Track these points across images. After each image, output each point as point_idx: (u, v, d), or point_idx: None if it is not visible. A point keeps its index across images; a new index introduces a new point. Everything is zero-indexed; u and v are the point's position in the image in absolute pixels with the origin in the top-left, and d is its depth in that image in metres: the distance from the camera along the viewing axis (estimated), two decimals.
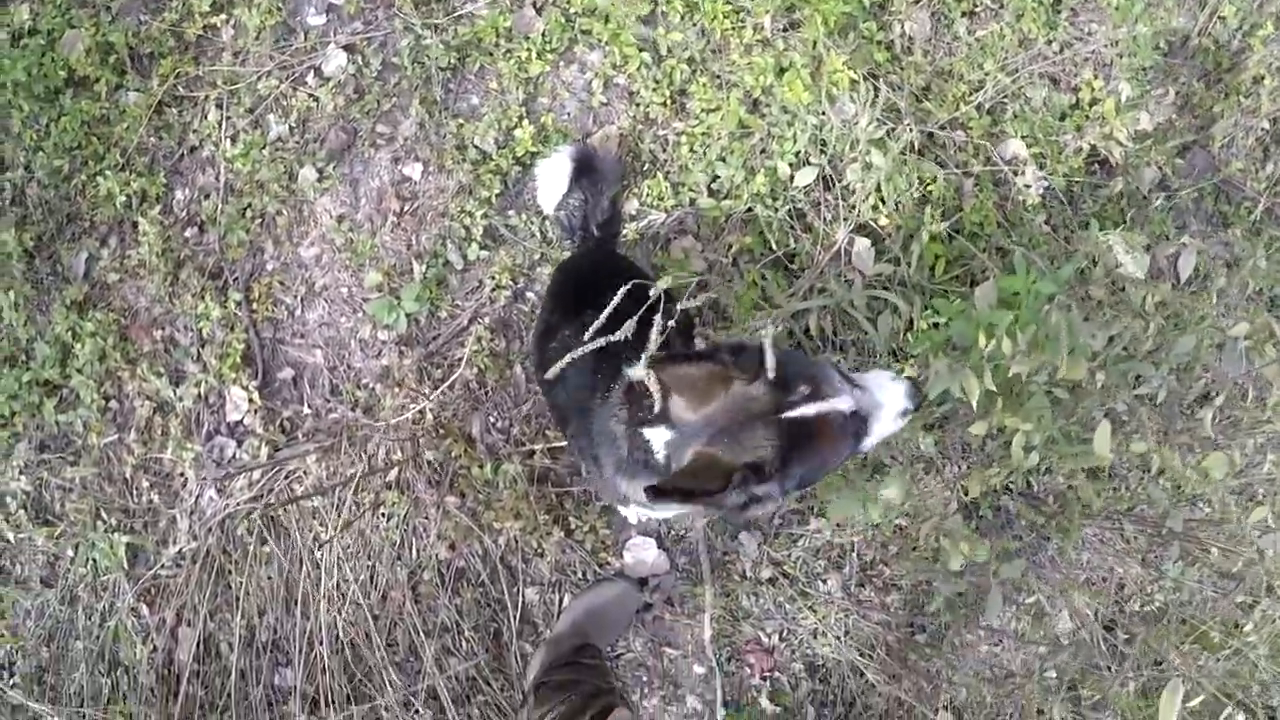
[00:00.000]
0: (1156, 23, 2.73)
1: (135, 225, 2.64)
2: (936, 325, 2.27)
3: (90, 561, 2.57)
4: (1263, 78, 2.81)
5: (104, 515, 2.56)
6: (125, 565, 2.53)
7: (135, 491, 2.60)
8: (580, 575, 2.36)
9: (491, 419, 2.35)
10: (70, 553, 2.59)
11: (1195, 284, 2.73)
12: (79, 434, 2.64)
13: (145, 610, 2.56)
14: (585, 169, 2.17)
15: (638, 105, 2.43)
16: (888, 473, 2.23)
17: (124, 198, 2.60)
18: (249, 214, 2.55)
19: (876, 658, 2.38)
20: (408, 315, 2.39)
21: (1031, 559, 2.40)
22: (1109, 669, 1.99)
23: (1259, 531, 1.93)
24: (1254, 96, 2.84)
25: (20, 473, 2.59)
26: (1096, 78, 2.81)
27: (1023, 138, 2.65)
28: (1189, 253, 2.15)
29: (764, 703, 2.40)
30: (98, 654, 2.56)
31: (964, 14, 2.72)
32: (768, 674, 2.42)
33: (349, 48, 2.51)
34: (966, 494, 2.00)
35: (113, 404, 2.63)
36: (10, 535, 2.61)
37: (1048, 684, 2.03)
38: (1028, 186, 2.65)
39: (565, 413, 1.75)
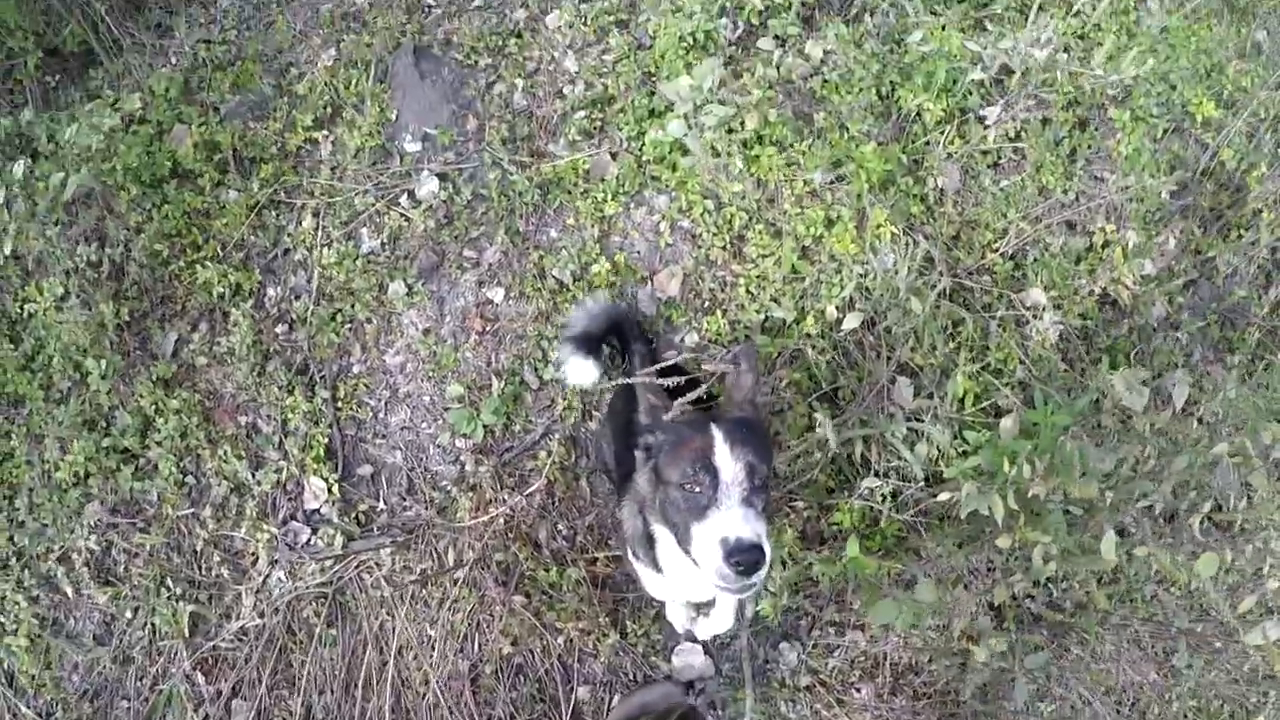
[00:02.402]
0: (1162, 169, 3.04)
1: (227, 315, 2.88)
2: (966, 453, 2.55)
3: (149, 626, 2.74)
4: (1261, 211, 3.14)
5: (169, 583, 2.73)
6: (186, 633, 2.70)
7: (204, 565, 2.79)
8: (631, 676, 2.60)
9: (558, 527, 2.60)
10: (129, 615, 2.76)
11: (1193, 408, 3.00)
12: (152, 503, 2.83)
13: (201, 679, 2.73)
14: (609, 335, 2.45)
15: (700, 248, 2.72)
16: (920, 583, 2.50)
17: (220, 288, 2.82)
18: (339, 318, 2.80)
19: None
20: (485, 426, 2.64)
21: (1055, 663, 2.64)
22: None
23: (1249, 622, 2.19)
24: (1254, 228, 3.15)
25: (89, 532, 2.77)
26: (1109, 222, 3.12)
27: (1042, 284, 2.93)
28: (1181, 385, 2.44)
29: None
30: (145, 716, 2.71)
31: (989, 165, 3.04)
32: None
33: (442, 176, 2.79)
34: (993, 603, 2.27)
35: (189, 479, 2.84)
36: (69, 590, 2.77)
37: None
38: (1046, 329, 2.93)
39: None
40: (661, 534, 1.79)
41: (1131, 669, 2.63)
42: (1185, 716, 2.56)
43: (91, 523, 2.77)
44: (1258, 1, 4.01)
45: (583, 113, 2.80)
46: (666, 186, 2.77)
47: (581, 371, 2.43)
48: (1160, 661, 2.63)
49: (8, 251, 2.67)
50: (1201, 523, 2.16)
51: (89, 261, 2.88)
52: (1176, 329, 3.11)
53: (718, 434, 1.64)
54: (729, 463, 1.60)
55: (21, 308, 2.93)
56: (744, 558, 1.50)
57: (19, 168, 2.66)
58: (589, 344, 2.42)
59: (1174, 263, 3.17)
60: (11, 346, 2.91)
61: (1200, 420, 2.50)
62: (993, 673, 2.33)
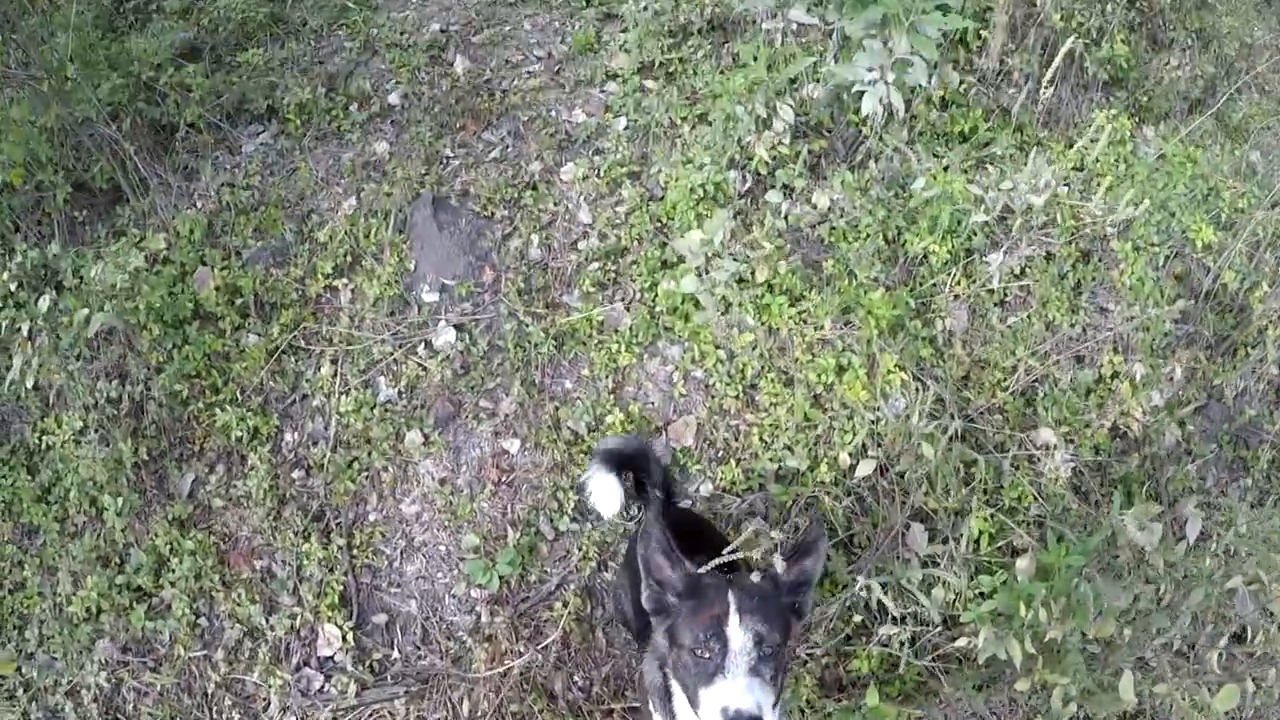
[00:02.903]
0: (1166, 296, 3.09)
1: (244, 458, 2.92)
2: (983, 596, 2.55)
3: None
4: (1266, 328, 3.19)
5: None
6: None
7: (215, 708, 2.76)
8: None
9: (574, 678, 2.59)
10: None
11: (1206, 541, 3.00)
12: (164, 643, 2.84)
13: None
14: (628, 467, 2.44)
15: (713, 397, 2.77)
16: None
17: (238, 431, 2.88)
18: (356, 466, 2.85)
19: None
20: (500, 577, 2.66)
21: None
22: None
23: None
24: (1260, 346, 3.19)
25: (100, 668, 2.76)
26: (1116, 354, 3.16)
27: (1053, 420, 2.96)
28: (1194, 520, 2.44)
29: None
30: None
31: (996, 304, 3.09)
32: None
33: (458, 326, 2.86)
34: None
35: (203, 620, 2.85)
36: None
37: None
38: (1058, 467, 2.94)
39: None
40: (677, 689, 1.83)
41: None
42: None
43: (102, 659, 2.78)
44: (1250, 120, 4.14)
45: (597, 264, 2.88)
46: (679, 337, 2.84)
47: (606, 491, 2.42)
48: None
49: (29, 384, 2.75)
50: (1220, 656, 2.16)
51: (109, 398, 2.94)
52: (1189, 455, 3.12)
53: (732, 602, 1.69)
54: (738, 632, 1.66)
55: (40, 439, 3.00)
56: None
57: (44, 301, 2.75)
58: (616, 463, 2.44)
59: (1181, 391, 3.21)
60: (29, 477, 2.97)
61: (1214, 554, 2.50)
62: None
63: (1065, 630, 1.99)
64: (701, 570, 1.85)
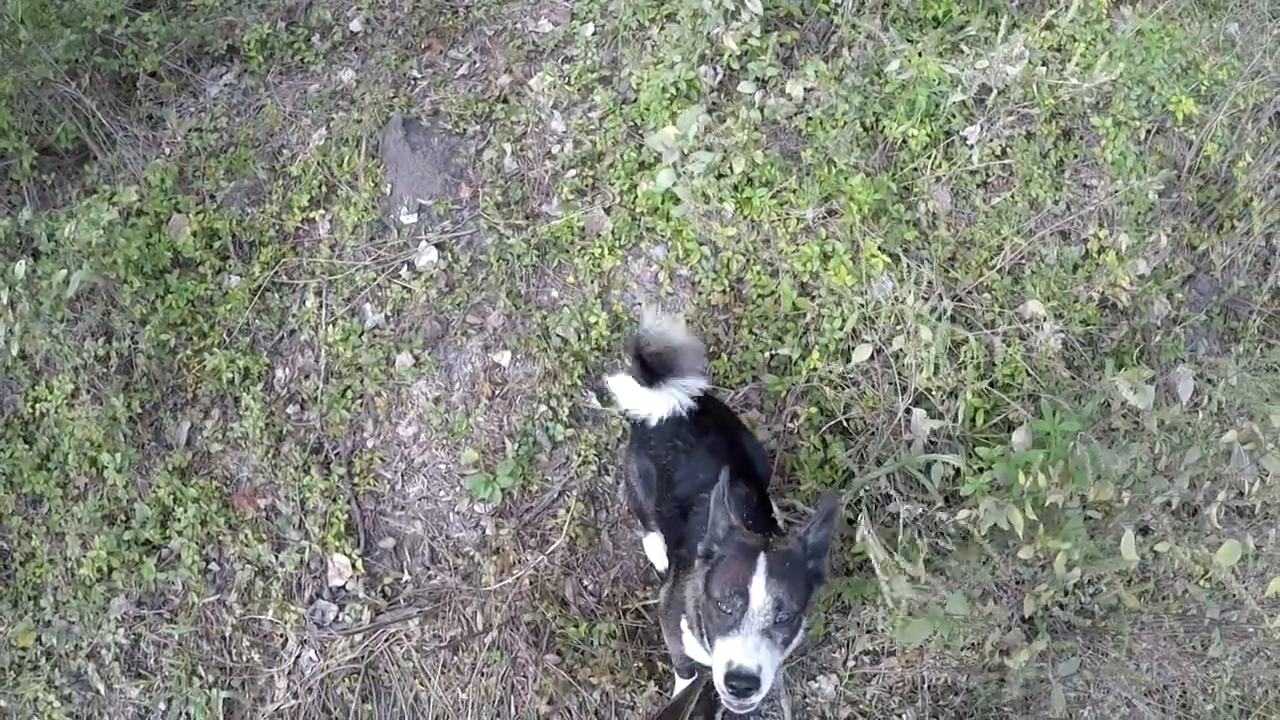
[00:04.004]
0: (1149, 170, 3.08)
1: (238, 400, 2.93)
2: (981, 470, 2.58)
3: (184, 716, 2.76)
4: (1251, 200, 3.20)
5: (200, 672, 2.76)
6: None
7: (234, 650, 2.82)
8: None
9: (584, 583, 2.62)
10: (162, 707, 2.78)
11: (1201, 401, 3.02)
12: (178, 593, 2.87)
13: None
14: (657, 367, 2.20)
15: (700, 294, 2.76)
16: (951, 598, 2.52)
17: (229, 374, 2.88)
18: (349, 394, 2.85)
19: None
20: (502, 490, 2.68)
21: (1091, 667, 2.65)
22: None
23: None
24: (1246, 218, 3.20)
25: (117, 626, 2.80)
26: (1102, 227, 3.17)
27: (1041, 295, 2.96)
28: (1185, 379, 2.47)
29: None
30: None
31: (979, 185, 3.09)
32: None
33: (439, 245, 2.85)
34: (1025, 616, 2.28)
35: (213, 566, 2.87)
36: (101, 687, 2.79)
37: None
38: (1048, 339, 2.95)
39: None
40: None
41: (1170, 665, 2.63)
42: (1230, 707, 2.56)
43: (118, 617, 2.81)
44: None
45: (573, 171, 2.87)
46: (662, 237, 2.83)
47: (631, 394, 2.26)
48: (1198, 655, 2.63)
49: (15, 352, 2.74)
50: (1219, 512, 2.18)
51: (97, 356, 2.94)
52: (1179, 325, 3.14)
53: (760, 564, 1.78)
54: (760, 593, 1.75)
55: (33, 407, 3.00)
56: (739, 684, 1.69)
57: (20, 267, 2.73)
58: (651, 372, 2.21)
59: (1168, 260, 3.21)
60: (26, 446, 2.98)
61: (1210, 413, 2.52)
62: (1031, 683, 2.34)
63: (1065, 495, 2.02)
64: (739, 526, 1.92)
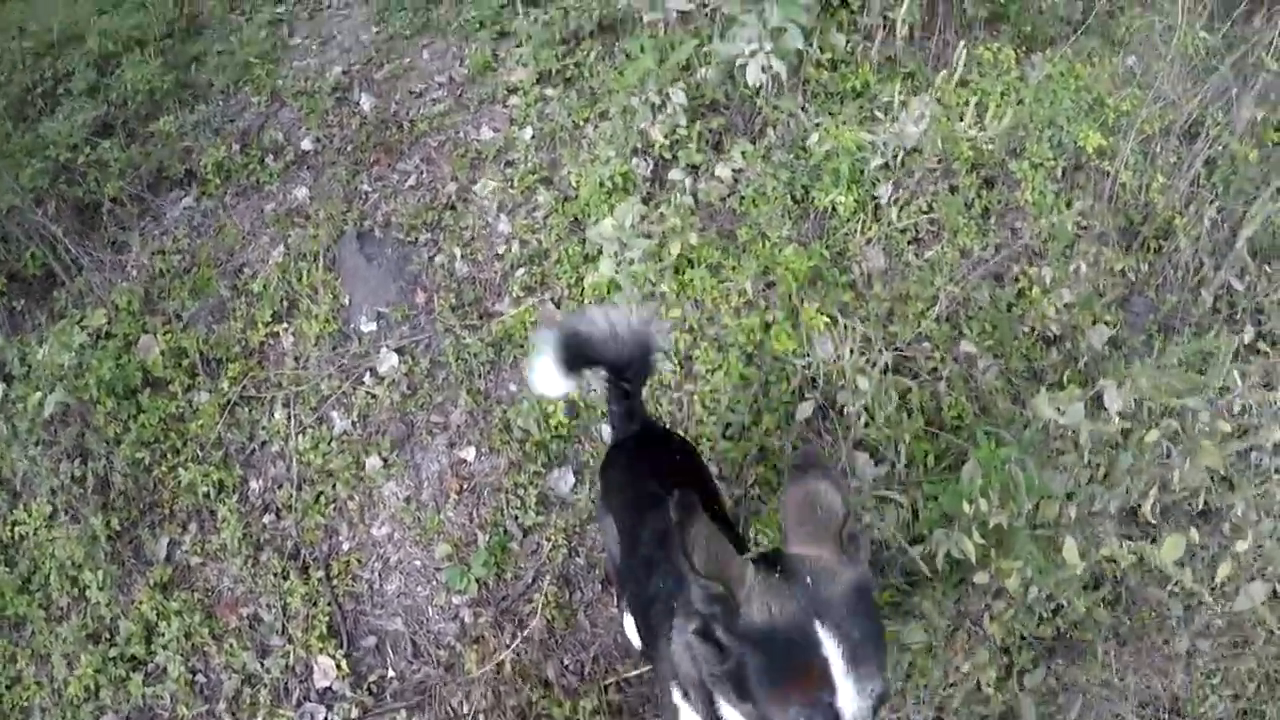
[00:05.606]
0: (1070, 206, 3.27)
1: (214, 513, 3.03)
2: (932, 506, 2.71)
3: None
4: (1173, 218, 3.38)
5: None
6: None
7: None
8: None
9: (565, 662, 2.72)
10: None
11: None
12: (166, 707, 2.91)
13: None
14: (583, 357, 1.98)
15: (652, 375, 2.90)
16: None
17: (204, 488, 2.98)
18: (322, 500, 2.97)
19: None
20: (477, 580, 2.79)
21: (1072, 683, 2.73)
22: None
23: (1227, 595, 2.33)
24: (1172, 236, 3.37)
25: None
26: (1031, 265, 3.33)
27: (977, 334, 3.11)
28: (1110, 390, 2.57)
29: None
30: None
31: (910, 241, 3.27)
32: None
33: (399, 350, 3.00)
34: (1003, 646, 2.39)
35: (199, 677, 2.93)
36: None
37: None
38: (984, 373, 3.09)
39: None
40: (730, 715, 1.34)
41: (1156, 675, 2.71)
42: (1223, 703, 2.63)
43: None
44: (1133, 34, 4.37)
45: (522, 269, 3.04)
46: None
47: (550, 379, 2.00)
48: (1179, 658, 2.71)
49: None
50: (1154, 508, 2.28)
51: (73, 477, 3.04)
52: (1119, 348, 3.29)
53: (834, 653, 1.12)
54: (852, 699, 1.12)
55: (12, 530, 3.08)
56: None
57: None
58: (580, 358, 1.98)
59: (1097, 286, 3.39)
60: (7, 570, 3.04)
61: (1140, 421, 2.64)
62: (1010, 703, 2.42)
63: (1009, 515, 2.13)
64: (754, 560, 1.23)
